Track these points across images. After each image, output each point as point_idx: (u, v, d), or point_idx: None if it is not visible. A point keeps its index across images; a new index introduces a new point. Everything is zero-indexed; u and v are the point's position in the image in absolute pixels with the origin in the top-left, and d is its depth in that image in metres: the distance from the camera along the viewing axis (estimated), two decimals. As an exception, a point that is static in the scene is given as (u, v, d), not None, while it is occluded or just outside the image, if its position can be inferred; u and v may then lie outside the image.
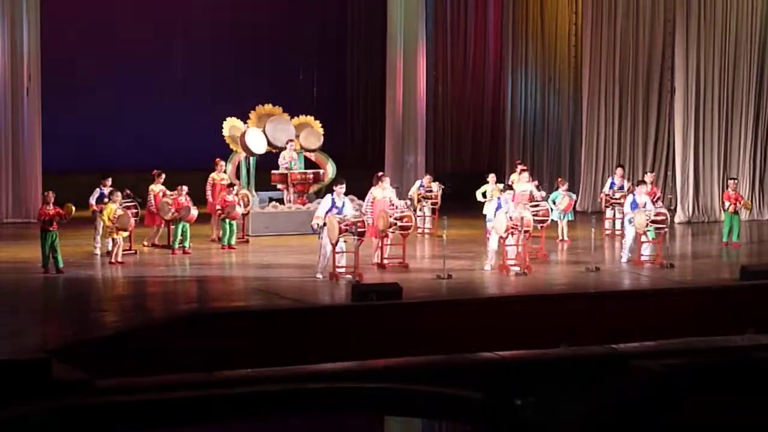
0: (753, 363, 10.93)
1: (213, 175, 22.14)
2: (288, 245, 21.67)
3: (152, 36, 30.09)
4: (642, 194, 19.88)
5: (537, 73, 30.90)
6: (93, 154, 28.42)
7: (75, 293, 16.94)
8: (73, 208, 18.34)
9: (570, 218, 22.48)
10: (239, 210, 21.24)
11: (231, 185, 21.93)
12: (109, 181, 20.25)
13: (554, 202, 21.89)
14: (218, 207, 21.15)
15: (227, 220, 21.00)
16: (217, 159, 22.54)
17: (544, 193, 22.11)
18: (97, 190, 20.25)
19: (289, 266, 19.24)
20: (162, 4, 30.25)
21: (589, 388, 10.60)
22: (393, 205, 19.34)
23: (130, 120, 29.44)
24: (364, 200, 20.21)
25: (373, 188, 19.77)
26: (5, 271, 18.57)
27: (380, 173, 21.17)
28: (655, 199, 21.30)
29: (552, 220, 20.84)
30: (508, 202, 18.69)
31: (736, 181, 23.21)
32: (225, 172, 22.55)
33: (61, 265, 18.07)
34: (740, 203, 22.19)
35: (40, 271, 18.03)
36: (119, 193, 19.49)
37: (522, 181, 21.59)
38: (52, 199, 18.22)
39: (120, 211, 19.08)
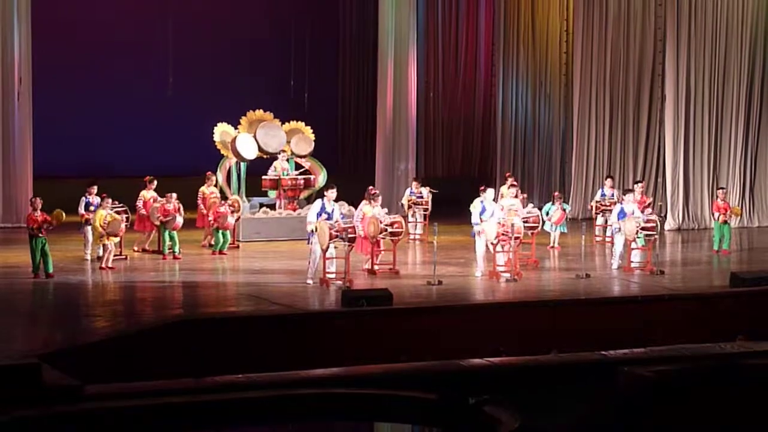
0: (741, 369, 10.96)
1: (203, 188, 21.95)
2: (278, 251, 21.68)
3: (144, 40, 30.09)
4: (629, 203, 19.90)
5: (528, 80, 30.95)
6: (84, 159, 28.41)
7: (65, 298, 16.91)
8: (63, 215, 18.27)
9: (563, 230, 22.51)
10: (231, 220, 21.25)
11: (224, 198, 21.93)
12: (95, 189, 20.16)
13: (547, 214, 21.93)
14: (210, 218, 21.15)
15: (220, 231, 21.02)
16: (209, 173, 22.44)
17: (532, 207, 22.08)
18: (83, 198, 20.18)
19: (280, 272, 19.26)
20: (154, 10, 30.26)
21: (579, 394, 10.61)
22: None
23: (121, 125, 29.43)
24: (353, 206, 20.18)
25: (364, 204, 19.59)
26: (-5, 276, 18.58)
27: (374, 191, 20.96)
28: (644, 208, 21.28)
29: (544, 231, 20.92)
30: (492, 204, 18.73)
31: (724, 190, 23.24)
32: (216, 185, 22.42)
33: (50, 270, 18.03)
34: (729, 212, 22.24)
35: (30, 276, 18.00)
36: (109, 200, 19.47)
37: (509, 196, 21.53)
38: (40, 205, 18.20)
39: (110, 217, 19.08)
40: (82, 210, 20.03)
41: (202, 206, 21.72)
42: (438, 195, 24.21)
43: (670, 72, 26.54)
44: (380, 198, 19.96)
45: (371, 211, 19.25)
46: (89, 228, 19.75)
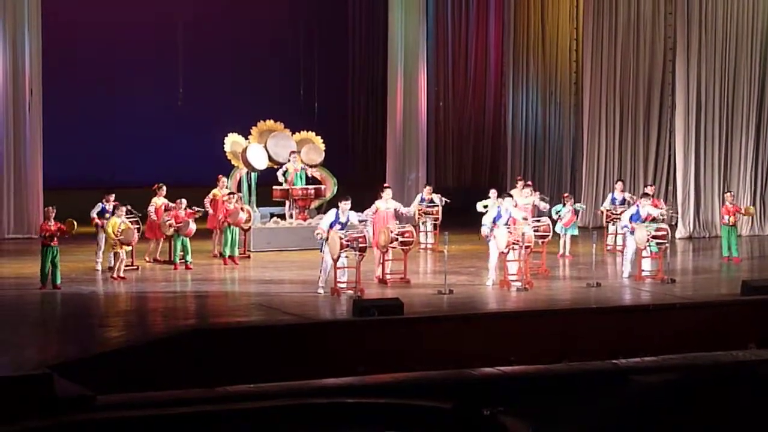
0: (755, 377, 10.95)
1: (215, 191, 22.12)
2: (289, 260, 21.70)
3: (153, 51, 30.17)
4: (646, 206, 19.85)
5: (538, 88, 30.95)
6: (95, 170, 28.47)
7: (77, 309, 16.93)
8: (75, 224, 18.31)
9: (574, 233, 22.50)
10: (243, 216, 21.24)
11: (231, 194, 21.90)
12: (113, 197, 20.23)
13: (557, 214, 22.00)
14: (221, 216, 21.22)
15: (229, 229, 21.00)
16: (220, 176, 22.54)
17: (547, 205, 22.17)
18: (100, 204, 20.24)
19: (291, 281, 19.27)
20: (163, 21, 30.33)
21: (591, 403, 10.61)
22: (399, 213, 19.30)
23: (131, 136, 29.50)
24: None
25: (377, 201, 19.74)
26: (7, 287, 18.57)
27: (384, 184, 21.07)
28: (662, 214, 21.26)
29: (555, 232, 20.94)
30: (508, 210, 18.68)
31: (732, 194, 23.16)
32: (227, 188, 22.52)
33: (58, 281, 18.03)
34: (741, 212, 22.25)
35: (39, 286, 18.02)
36: (123, 208, 19.50)
37: (524, 196, 21.61)
38: (53, 215, 18.23)
39: (124, 226, 19.12)
40: (94, 214, 20.08)
41: (209, 207, 21.77)
42: (449, 204, 24.17)
43: (680, 80, 26.51)
44: (389, 191, 19.95)
45: (384, 206, 19.31)
46: (102, 235, 19.79)
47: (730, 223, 21.88)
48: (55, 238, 17.96)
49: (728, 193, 22.81)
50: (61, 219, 18.28)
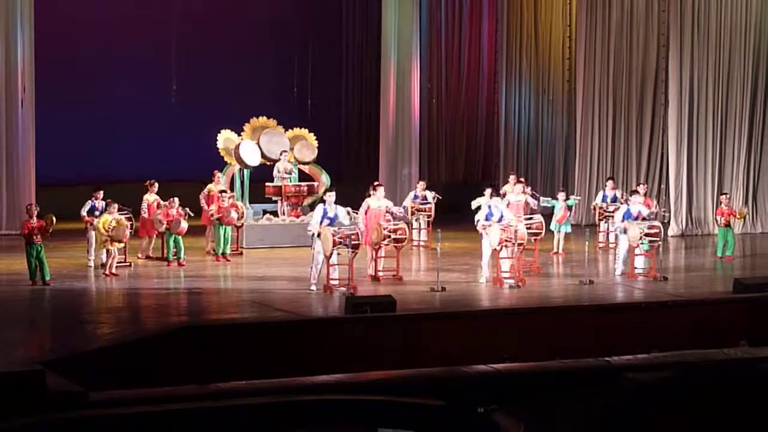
0: (746, 374, 10.96)
1: (210, 186, 22.13)
2: (282, 257, 21.68)
3: (147, 48, 30.09)
4: (636, 204, 19.90)
5: (531, 86, 30.94)
6: (88, 166, 28.39)
7: (69, 305, 16.90)
8: (54, 219, 18.22)
9: (567, 230, 22.50)
10: (234, 215, 21.23)
11: (223, 191, 21.89)
12: (101, 194, 20.19)
13: (553, 209, 22.09)
14: (212, 213, 21.18)
15: (221, 228, 20.99)
16: (215, 171, 22.57)
17: (538, 201, 22.17)
18: (89, 202, 20.19)
19: (283, 278, 19.26)
20: (156, 17, 30.27)
21: (584, 401, 10.61)
22: (390, 212, 19.30)
23: (125, 132, 29.43)
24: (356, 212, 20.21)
25: (368, 198, 19.74)
26: (-1, 283, 18.58)
27: (375, 182, 21.11)
28: (652, 213, 21.30)
29: (548, 229, 20.95)
30: (498, 208, 18.70)
31: (728, 195, 23.24)
32: (222, 184, 22.47)
33: (47, 277, 17.99)
34: (734, 216, 22.31)
35: (29, 283, 17.97)
36: (115, 205, 19.46)
37: (516, 192, 21.60)
38: (36, 212, 18.17)
39: (115, 222, 19.08)
40: (84, 213, 20.05)
41: (204, 203, 21.77)
42: (441, 201, 24.15)
43: (674, 78, 26.52)
44: (382, 188, 19.94)
45: (376, 204, 19.31)
46: (93, 233, 19.76)
47: (723, 223, 21.89)
48: (36, 236, 17.88)
49: (723, 196, 22.85)
50: (52, 215, 18.24)
